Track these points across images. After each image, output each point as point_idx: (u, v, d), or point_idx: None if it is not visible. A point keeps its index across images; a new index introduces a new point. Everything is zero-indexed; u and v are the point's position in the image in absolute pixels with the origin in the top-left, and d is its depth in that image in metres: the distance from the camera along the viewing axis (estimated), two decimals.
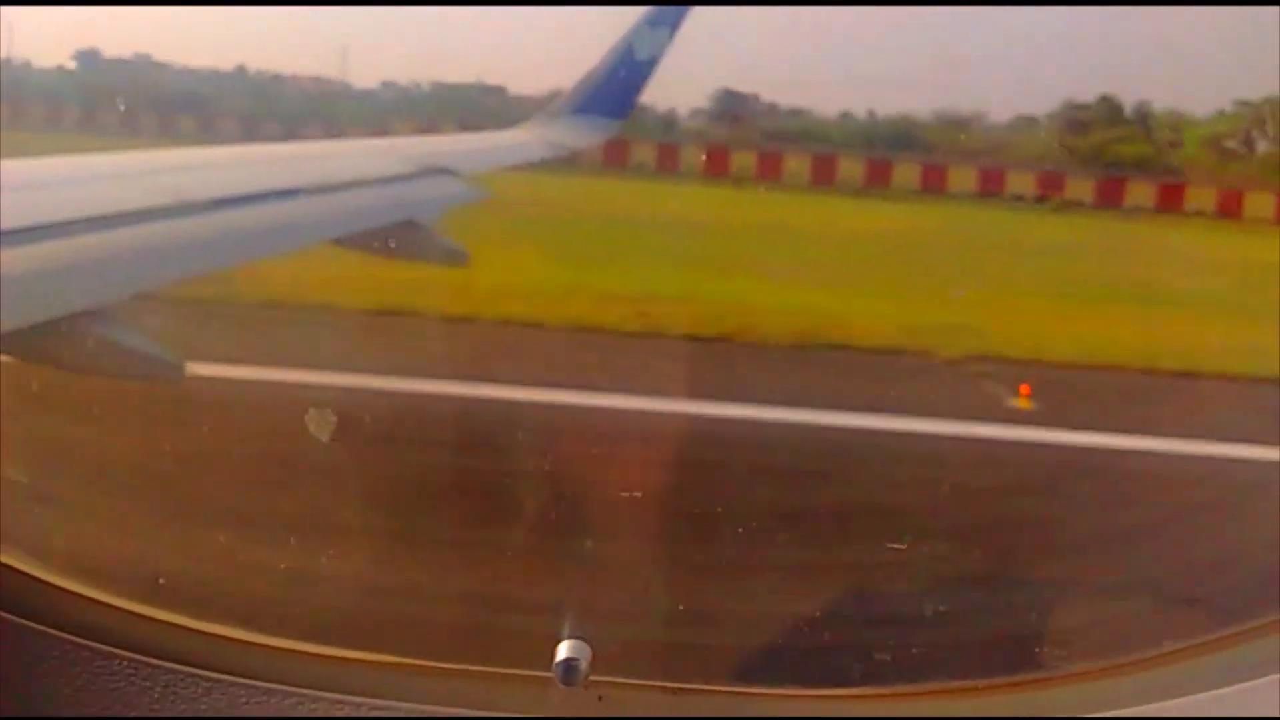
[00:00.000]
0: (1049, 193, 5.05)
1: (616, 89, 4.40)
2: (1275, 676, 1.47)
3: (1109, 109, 4.59)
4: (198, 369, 3.39)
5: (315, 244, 3.36)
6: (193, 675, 1.57)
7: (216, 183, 3.28)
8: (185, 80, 3.93)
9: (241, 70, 3.93)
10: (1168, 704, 1.49)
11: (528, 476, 3.31)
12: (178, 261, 2.94)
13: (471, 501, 3.32)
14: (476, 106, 4.68)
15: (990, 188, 5.06)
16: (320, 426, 2.69)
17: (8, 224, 2.45)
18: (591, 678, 1.57)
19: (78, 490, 2.80)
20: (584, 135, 4.55)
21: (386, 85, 4.30)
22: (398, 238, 3.47)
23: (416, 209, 3.63)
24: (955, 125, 4.75)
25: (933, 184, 5.12)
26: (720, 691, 1.64)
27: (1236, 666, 1.50)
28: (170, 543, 2.69)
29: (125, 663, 1.57)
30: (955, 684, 1.65)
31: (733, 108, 4.86)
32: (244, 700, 1.56)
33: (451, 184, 3.85)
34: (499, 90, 4.74)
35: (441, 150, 4.06)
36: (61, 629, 1.57)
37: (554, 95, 4.70)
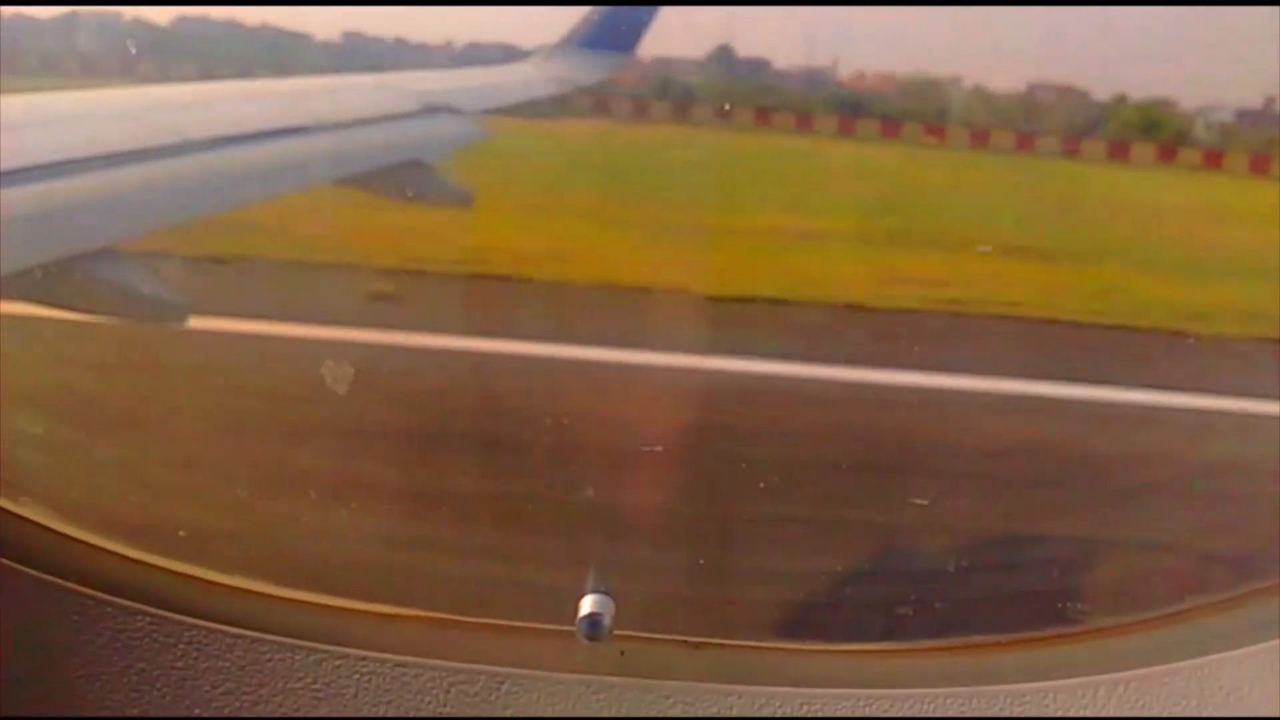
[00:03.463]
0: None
1: (623, 21, 4.30)
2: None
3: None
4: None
5: (319, 183, 3.31)
6: (216, 631, 1.57)
7: (218, 120, 3.23)
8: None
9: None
10: (1180, 665, 1.50)
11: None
12: (180, 201, 2.91)
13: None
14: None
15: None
16: (337, 379, 2.67)
17: (5, 164, 2.42)
18: (614, 632, 1.58)
19: (88, 440, 2.80)
20: (591, 70, 4.46)
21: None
22: (402, 178, 3.43)
23: (421, 149, 3.58)
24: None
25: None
26: (742, 646, 1.66)
27: (1248, 625, 1.50)
28: (186, 495, 2.69)
29: (148, 618, 1.57)
30: (975, 639, 1.66)
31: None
32: (268, 656, 1.57)
33: (456, 122, 3.79)
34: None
35: (444, 87, 3.98)
36: (83, 584, 1.57)
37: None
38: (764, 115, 4.98)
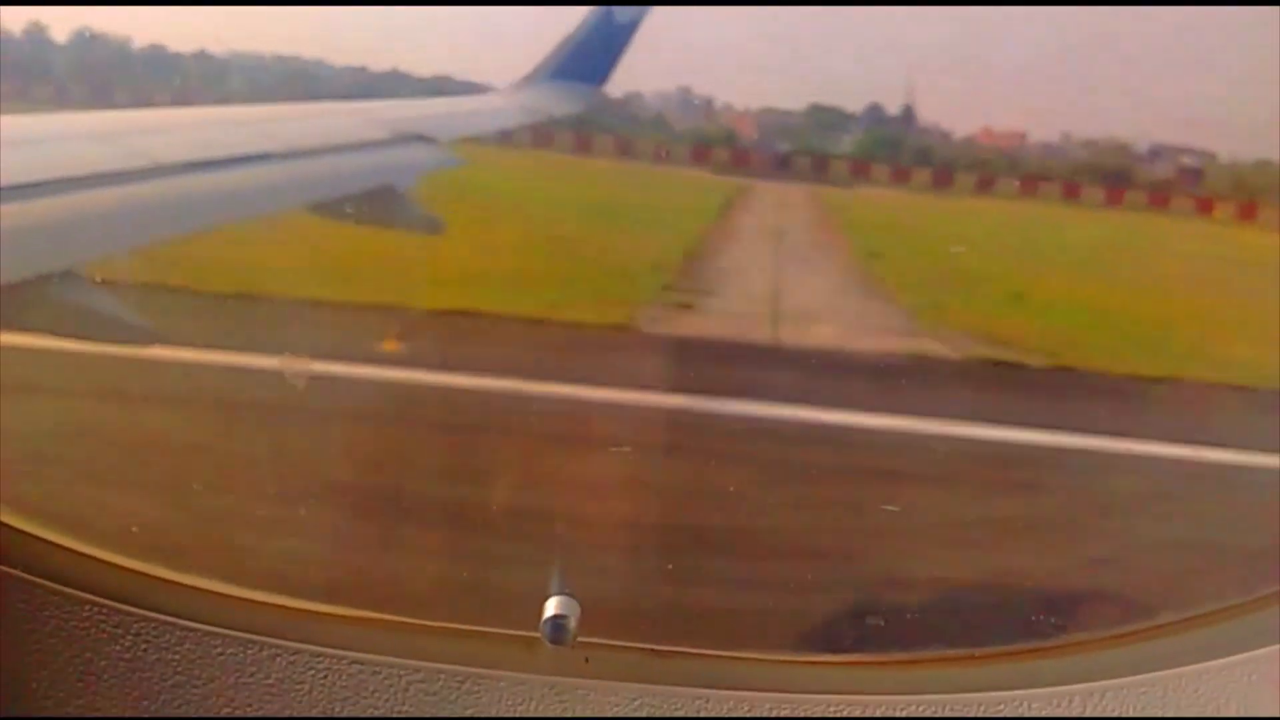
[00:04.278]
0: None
1: (595, 52, 4.35)
2: (1276, 647, 1.50)
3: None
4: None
5: (288, 209, 3.32)
6: (166, 623, 1.53)
7: (190, 145, 3.23)
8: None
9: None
10: (1167, 673, 1.52)
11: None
12: (149, 225, 2.90)
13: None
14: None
15: None
16: (295, 375, 2.65)
17: None
18: (578, 639, 1.56)
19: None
20: (561, 101, 4.51)
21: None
22: (373, 204, 3.44)
23: (393, 175, 3.60)
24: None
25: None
26: (707, 655, 1.63)
27: (1237, 637, 1.53)
28: (143, 493, 2.66)
29: (95, 609, 1.53)
30: (951, 652, 1.65)
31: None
32: (219, 651, 1.53)
33: (428, 150, 3.81)
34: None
35: (416, 115, 4.01)
36: (27, 570, 1.53)
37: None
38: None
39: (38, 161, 2.68)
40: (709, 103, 4.75)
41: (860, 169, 5.06)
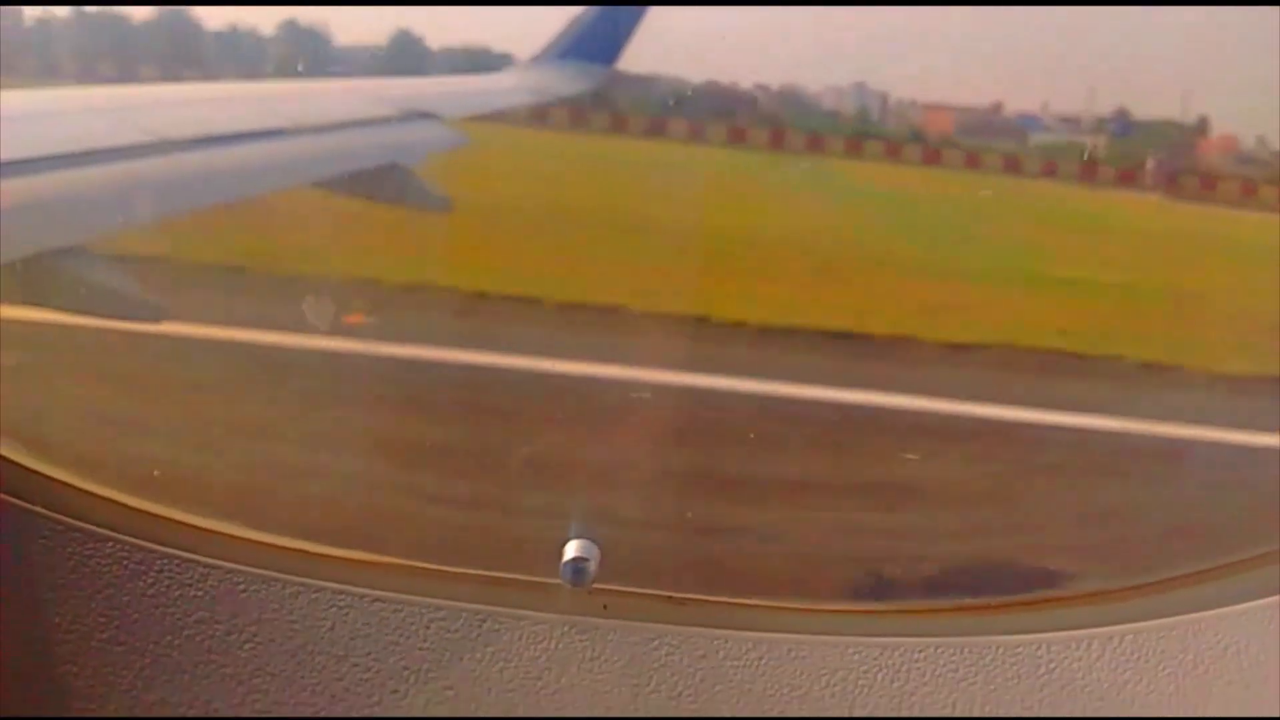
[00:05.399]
0: None
1: (604, 33, 4.32)
2: (1276, 598, 1.50)
3: None
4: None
5: (295, 186, 3.31)
6: (188, 560, 1.54)
7: (196, 120, 3.22)
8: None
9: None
10: (1188, 617, 1.51)
11: None
12: (155, 200, 2.90)
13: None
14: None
15: None
16: (318, 315, 2.64)
17: None
18: (596, 585, 1.56)
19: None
20: (570, 80, 4.49)
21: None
22: (381, 182, 3.43)
23: (400, 153, 3.58)
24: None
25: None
26: (726, 603, 1.64)
27: (1262, 583, 1.52)
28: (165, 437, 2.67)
29: (117, 545, 1.53)
30: (968, 601, 1.65)
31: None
32: (241, 588, 1.54)
33: (435, 128, 3.80)
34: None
35: (423, 93, 3.99)
36: (50, 508, 1.53)
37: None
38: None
39: (41, 136, 2.67)
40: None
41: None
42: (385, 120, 3.75)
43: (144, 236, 3.02)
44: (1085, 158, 4.51)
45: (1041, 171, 4.70)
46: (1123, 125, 4.20)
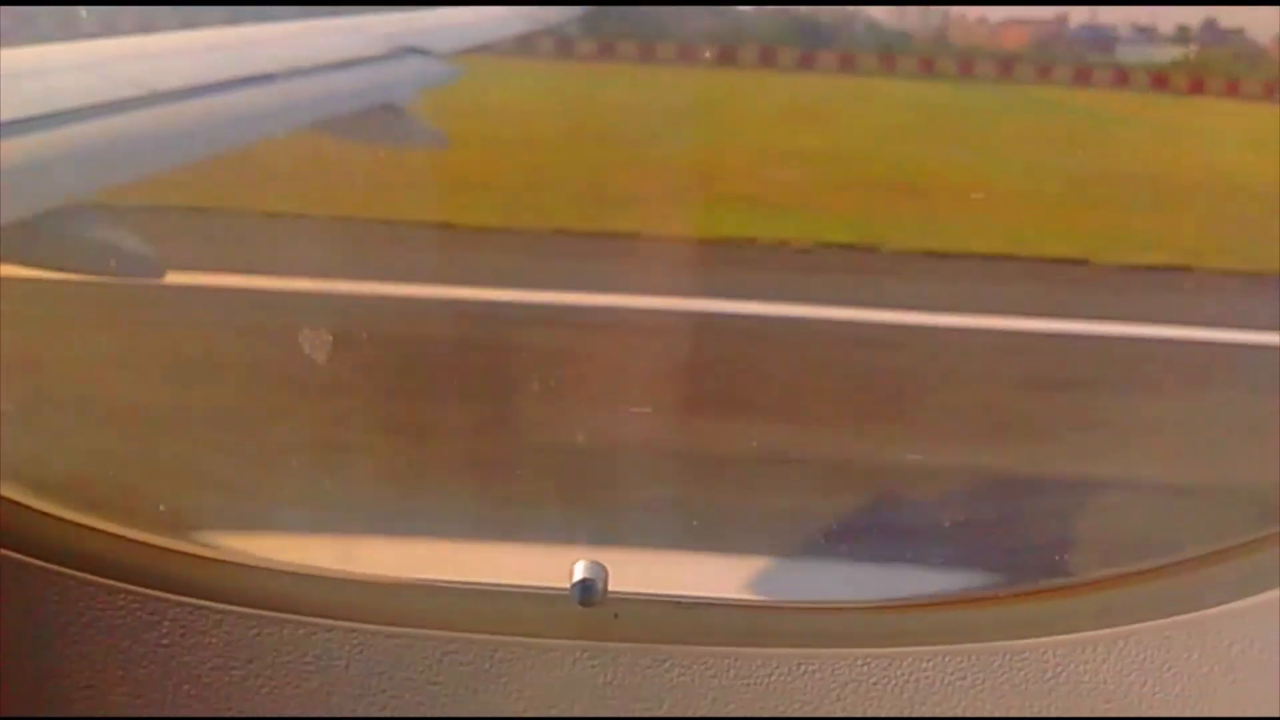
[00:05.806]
0: None
1: None
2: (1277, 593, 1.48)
3: None
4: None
5: (288, 130, 3.28)
6: (201, 608, 1.56)
7: (184, 71, 3.18)
8: None
9: None
10: (1174, 620, 1.50)
11: None
12: (151, 153, 2.89)
13: None
14: None
15: None
16: (315, 347, 2.65)
17: None
18: (607, 594, 1.58)
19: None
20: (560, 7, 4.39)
21: None
22: (374, 122, 3.39)
23: (392, 91, 3.54)
24: None
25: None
26: (734, 603, 1.65)
27: (1247, 575, 1.50)
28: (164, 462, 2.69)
29: (130, 597, 1.55)
30: (972, 593, 1.67)
31: None
32: (255, 631, 1.56)
33: (426, 63, 3.74)
34: None
35: (412, 27, 3.92)
36: (62, 563, 1.54)
37: None
38: None
39: (28, 94, 2.65)
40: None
41: None
42: (376, 59, 3.69)
43: (140, 190, 3.01)
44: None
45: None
46: None
